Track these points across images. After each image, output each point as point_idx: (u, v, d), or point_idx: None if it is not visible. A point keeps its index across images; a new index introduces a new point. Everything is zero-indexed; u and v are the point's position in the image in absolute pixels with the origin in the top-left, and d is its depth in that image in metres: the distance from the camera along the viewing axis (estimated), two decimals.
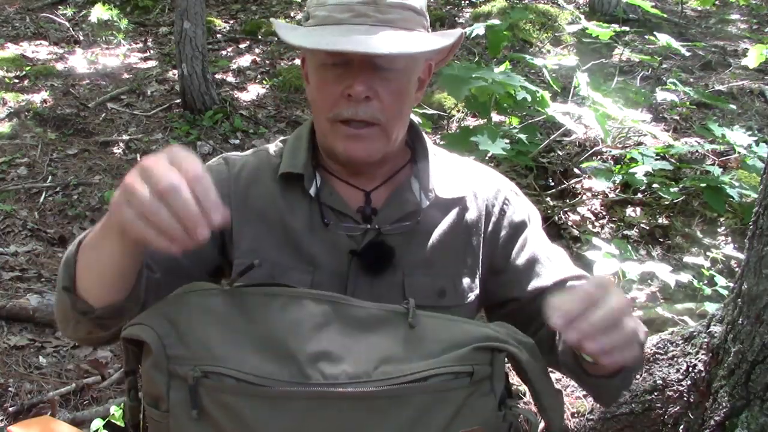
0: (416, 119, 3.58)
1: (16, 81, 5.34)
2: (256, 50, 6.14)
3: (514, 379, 1.92)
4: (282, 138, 1.21)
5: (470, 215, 1.13)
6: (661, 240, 3.66)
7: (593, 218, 3.83)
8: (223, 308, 0.80)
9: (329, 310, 0.81)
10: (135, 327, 0.79)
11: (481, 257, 1.14)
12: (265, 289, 0.82)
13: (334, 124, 1.03)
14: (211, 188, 0.75)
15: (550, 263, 1.13)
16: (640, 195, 3.89)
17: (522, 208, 1.17)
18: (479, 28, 3.81)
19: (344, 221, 1.09)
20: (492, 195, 1.16)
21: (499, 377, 0.80)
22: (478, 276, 1.14)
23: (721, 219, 3.63)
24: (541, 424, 0.82)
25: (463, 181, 1.16)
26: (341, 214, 1.09)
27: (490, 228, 1.14)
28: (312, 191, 1.10)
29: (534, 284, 1.11)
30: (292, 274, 1.03)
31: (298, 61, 5.32)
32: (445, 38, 1.05)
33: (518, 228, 1.14)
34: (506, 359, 0.81)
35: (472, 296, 1.12)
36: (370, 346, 0.79)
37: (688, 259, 3.22)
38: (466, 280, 1.12)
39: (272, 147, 1.19)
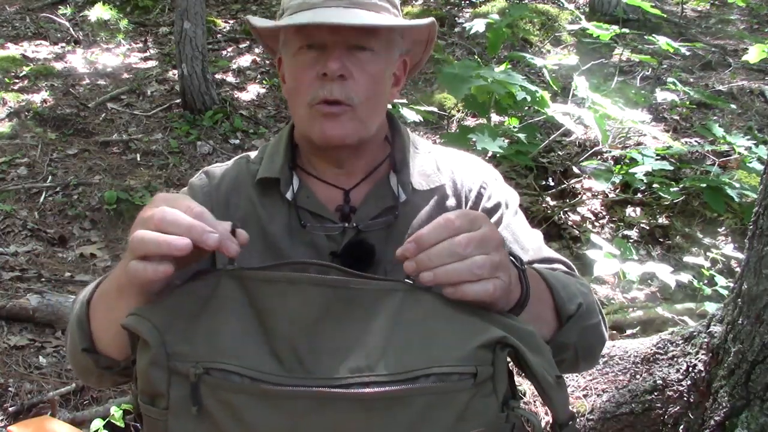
0: (417, 117, 3.58)
1: (16, 81, 5.34)
2: (256, 50, 6.15)
3: (515, 378, 1.92)
4: (264, 144, 1.22)
5: (449, 203, 1.13)
6: (661, 240, 3.66)
7: (593, 218, 3.83)
8: (226, 293, 0.79)
9: (330, 295, 0.80)
10: (136, 319, 0.77)
11: None
12: (264, 274, 0.81)
13: (312, 107, 1.04)
14: (208, 213, 0.77)
15: (517, 246, 1.11)
16: (640, 195, 3.90)
17: (499, 192, 1.16)
18: (479, 25, 3.80)
19: (323, 222, 1.09)
20: (470, 181, 1.16)
21: (501, 378, 0.79)
22: None
23: (721, 219, 3.63)
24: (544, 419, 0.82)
25: (442, 170, 1.16)
26: (319, 216, 1.09)
27: None
28: (289, 195, 1.10)
29: None
30: None
31: None
32: (416, 21, 1.07)
33: (491, 211, 1.13)
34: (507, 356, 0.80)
35: None
36: (372, 334, 0.78)
37: (688, 259, 3.22)
38: None
39: (253, 153, 1.19)
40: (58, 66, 5.69)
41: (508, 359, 0.81)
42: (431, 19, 1.09)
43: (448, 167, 1.16)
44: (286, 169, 1.11)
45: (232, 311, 0.79)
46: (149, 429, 0.80)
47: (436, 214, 1.11)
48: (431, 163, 1.17)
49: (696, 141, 4.26)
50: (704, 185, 3.24)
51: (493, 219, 1.13)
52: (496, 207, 1.14)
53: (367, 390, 0.74)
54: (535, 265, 1.06)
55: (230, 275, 0.81)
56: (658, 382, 1.80)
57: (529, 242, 1.13)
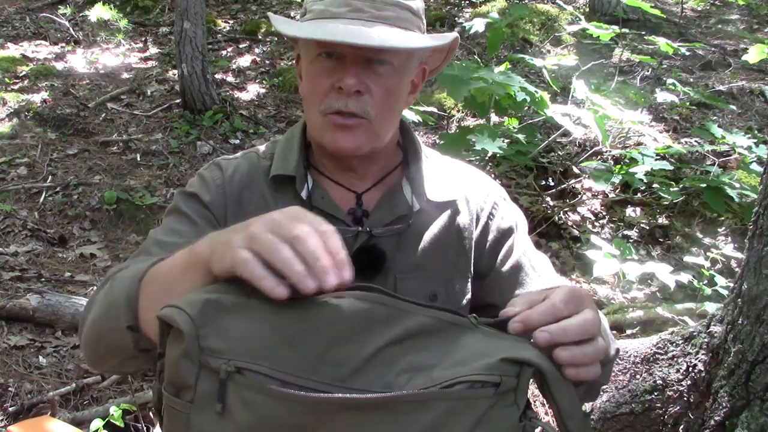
0: (417, 118, 3.58)
1: (16, 81, 5.34)
2: (256, 50, 6.15)
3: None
4: (273, 139, 1.21)
5: (461, 219, 1.13)
6: (661, 240, 3.66)
7: (593, 218, 3.83)
8: (265, 298, 0.78)
9: (374, 313, 0.79)
10: (174, 310, 0.76)
11: (472, 261, 1.14)
12: None
13: (326, 116, 1.04)
14: (341, 245, 0.76)
15: (535, 273, 1.12)
16: (640, 195, 3.90)
17: (510, 214, 1.18)
18: (478, 25, 3.80)
19: (336, 224, 1.09)
20: (482, 199, 1.16)
21: (524, 390, 0.78)
22: (470, 279, 1.14)
23: (721, 219, 3.63)
24: None
25: (454, 184, 1.16)
26: (332, 218, 1.09)
27: (479, 232, 1.15)
28: (303, 194, 1.10)
29: (517, 292, 1.11)
30: None
31: None
32: (439, 40, 1.06)
33: (505, 234, 1.15)
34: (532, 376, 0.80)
35: (464, 300, 1.13)
36: (409, 356, 0.77)
37: (688, 259, 3.22)
38: (458, 284, 1.12)
39: (261, 148, 1.19)
40: (58, 66, 5.69)
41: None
42: (455, 34, 1.09)
43: (459, 182, 1.17)
44: (301, 168, 1.11)
45: (270, 313, 0.78)
46: (170, 420, 0.79)
47: (449, 227, 1.13)
48: (443, 174, 1.17)
49: (696, 141, 4.26)
50: (704, 185, 3.24)
51: (508, 243, 1.14)
52: (510, 231, 1.15)
53: (390, 394, 0.74)
54: None
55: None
56: (658, 382, 1.80)
57: (543, 269, 1.15)
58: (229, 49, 6.25)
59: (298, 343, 0.77)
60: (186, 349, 0.75)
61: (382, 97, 1.03)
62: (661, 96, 4.10)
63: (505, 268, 1.12)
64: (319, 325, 0.78)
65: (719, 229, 3.65)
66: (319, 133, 1.06)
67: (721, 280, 2.87)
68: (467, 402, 0.75)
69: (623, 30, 3.95)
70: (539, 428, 0.81)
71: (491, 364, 0.76)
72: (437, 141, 4.26)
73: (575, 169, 4.07)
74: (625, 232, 3.69)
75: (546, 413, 2.05)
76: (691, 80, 5.35)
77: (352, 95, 1.01)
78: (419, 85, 1.14)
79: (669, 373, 1.79)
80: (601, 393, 1.98)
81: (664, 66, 5.55)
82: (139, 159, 4.53)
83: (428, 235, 1.11)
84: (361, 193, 1.12)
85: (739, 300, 1.61)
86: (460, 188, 1.16)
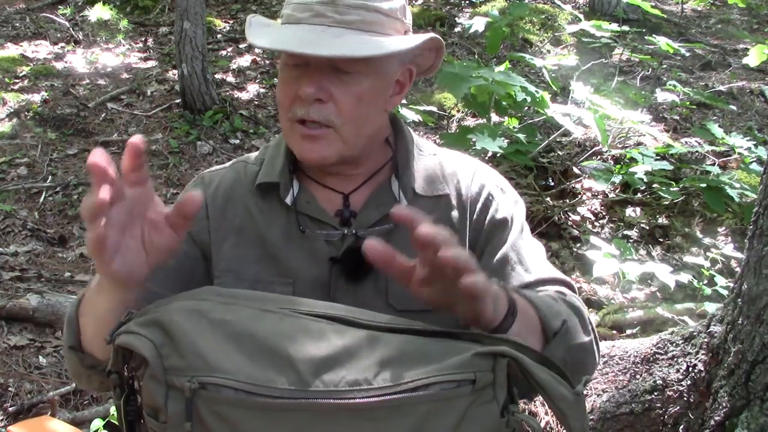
0: (417, 117, 3.58)
1: (16, 81, 5.34)
2: (256, 50, 6.14)
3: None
4: (266, 145, 1.20)
5: (453, 213, 1.10)
6: (661, 240, 3.66)
7: (593, 218, 3.83)
8: (217, 314, 0.79)
9: (327, 315, 0.80)
10: (130, 336, 0.77)
11: None
12: (260, 302, 0.82)
13: (293, 124, 1.02)
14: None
15: (521, 267, 1.08)
16: (640, 195, 3.89)
17: (505, 205, 1.13)
18: (478, 24, 3.80)
19: (322, 228, 1.07)
20: (476, 191, 1.12)
21: (502, 384, 0.78)
22: None
23: (721, 219, 3.63)
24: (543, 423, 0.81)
25: (447, 177, 1.13)
26: (319, 222, 1.07)
27: (472, 225, 1.11)
28: (288, 200, 1.08)
29: None
30: (274, 288, 1.02)
31: None
32: (407, 42, 1.02)
33: (498, 226, 1.10)
34: (511, 366, 0.79)
35: None
36: (370, 350, 0.77)
37: (688, 259, 3.22)
38: None
39: (253, 155, 1.17)
40: (58, 66, 5.69)
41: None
42: (429, 34, 1.05)
43: (452, 175, 1.13)
44: (286, 173, 1.09)
45: (220, 330, 0.78)
46: None
47: (440, 223, 1.09)
48: (436, 168, 1.14)
49: (696, 141, 4.26)
50: (704, 185, 3.24)
51: (499, 236, 1.10)
52: (503, 222, 1.11)
53: (366, 400, 0.74)
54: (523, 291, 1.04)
55: (222, 302, 0.81)
56: (658, 382, 1.80)
57: (532, 263, 1.10)
58: (229, 49, 6.25)
59: (256, 353, 0.76)
60: (151, 371, 0.76)
61: (350, 104, 1.00)
62: (661, 96, 4.10)
63: (492, 261, 1.08)
64: (279, 333, 0.78)
65: (719, 229, 3.65)
66: (289, 140, 1.06)
67: (721, 280, 2.87)
68: (445, 403, 0.75)
69: (623, 27, 3.94)
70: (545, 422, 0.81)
71: (464, 361, 0.76)
72: (437, 141, 4.26)
73: (575, 169, 4.07)
74: (625, 232, 3.69)
75: (546, 413, 2.05)
76: (691, 80, 5.35)
77: (312, 103, 0.99)
78: (406, 84, 1.11)
79: (669, 373, 1.79)
80: (601, 393, 1.98)
81: (664, 66, 5.55)
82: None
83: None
84: (348, 193, 1.10)
85: (739, 300, 1.61)
86: (452, 181, 1.13)
